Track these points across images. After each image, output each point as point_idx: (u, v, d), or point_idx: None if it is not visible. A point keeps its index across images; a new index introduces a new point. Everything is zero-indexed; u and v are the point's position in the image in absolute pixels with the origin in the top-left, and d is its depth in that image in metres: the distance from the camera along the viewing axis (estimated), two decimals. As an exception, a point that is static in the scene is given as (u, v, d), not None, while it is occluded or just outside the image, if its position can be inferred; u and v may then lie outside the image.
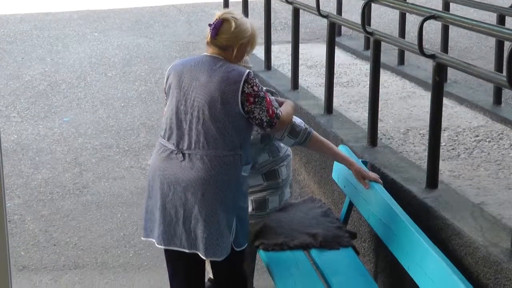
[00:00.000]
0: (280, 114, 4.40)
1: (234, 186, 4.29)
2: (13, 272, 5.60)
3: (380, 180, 4.85)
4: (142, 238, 4.53)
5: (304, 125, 4.81)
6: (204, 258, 4.33)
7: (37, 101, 9.35)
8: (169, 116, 4.33)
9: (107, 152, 7.90)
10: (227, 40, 4.27)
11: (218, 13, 4.32)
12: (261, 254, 5.04)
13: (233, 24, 4.26)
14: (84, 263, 5.99)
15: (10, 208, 6.74)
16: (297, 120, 4.85)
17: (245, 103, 4.24)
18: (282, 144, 5.06)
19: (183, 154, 4.27)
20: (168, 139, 4.33)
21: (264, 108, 4.28)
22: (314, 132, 4.85)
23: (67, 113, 8.98)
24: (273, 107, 4.35)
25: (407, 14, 8.33)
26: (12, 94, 9.58)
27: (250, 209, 4.97)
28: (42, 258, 6.06)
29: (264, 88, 4.56)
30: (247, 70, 4.29)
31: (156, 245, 4.40)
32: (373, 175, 4.92)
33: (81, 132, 8.40)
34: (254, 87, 4.25)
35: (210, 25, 4.31)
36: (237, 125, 4.27)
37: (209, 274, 5.09)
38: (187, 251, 4.33)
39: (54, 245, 6.24)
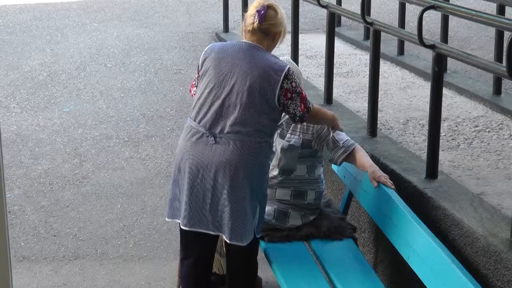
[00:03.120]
0: (312, 107, 4.49)
1: (261, 172, 4.39)
2: (13, 263, 5.60)
3: (392, 186, 4.75)
4: (167, 219, 4.58)
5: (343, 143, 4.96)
6: (228, 241, 4.37)
7: (37, 91, 9.34)
8: (203, 99, 4.38)
9: (106, 143, 7.90)
10: (273, 26, 4.41)
11: (260, 0, 4.45)
12: (261, 245, 5.04)
13: (278, 11, 4.45)
14: (84, 254, 6.00)
15: (10, 199, 6.75)
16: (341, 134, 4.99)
17: (281, 97, 4.33)
18: (321, 175, 5.17)
19: (215, 137, 4.31)
20: (200, 122, 4.37)
21: (298, 103, 4.37)
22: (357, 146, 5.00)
23: (66, 103, 8.97)
24: (305, 101, 4.42)
25: (407, 4, 8.32)
26: (11, 84, 9.58)
27: (271, 217, 5.01)
28: (42, 249, 6.06)
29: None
30: (288, 65, 4.37)
31: (181, 226, 4.45)
32: (384, 178, 4.79)
33: (80, 123, 8.40)
34: (293, 83, 4.34)
35: (258, 11, 4.40)
36: (271, 114, 4.37)
37: (213, 268, 5.10)
38: (212, 233, 4.40)
39: (54, 235, 6.25)
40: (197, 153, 4.35)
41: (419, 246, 4.17)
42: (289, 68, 4.37)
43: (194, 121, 4.40)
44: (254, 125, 4.31)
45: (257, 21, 4.37)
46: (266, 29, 4.39)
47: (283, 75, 4.30)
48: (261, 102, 4.30)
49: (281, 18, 4.46)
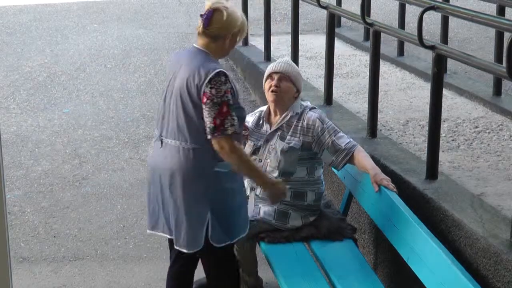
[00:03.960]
0: (229, 134, 4.16)
1: (205, 180, 4.26)
2: (13, 264, 5.60)
3: (394, 189, 4.73)
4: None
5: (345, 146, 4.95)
6: (175, 246, 4.41)
7: (37, 92, 9.34)
8: (161, 104, 4.44)
9: (106, 144, 7.90)
10: (219, 29, 4.24)
11: (209, 3, 4.29)
12: (261, 246, 5.04)
13: (225, 13, 4.22)
14: (84, 255, 5.99)
15: (10, 200, 6.74)
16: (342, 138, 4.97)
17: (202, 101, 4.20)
18: (321, 176, 5.18)
19: (161, 142, 4.36)
20: (156, 126, 4.45)
21: (212, 114, 4.14)
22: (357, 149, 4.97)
23: (66, 104, 8.97)
24: (224, 120, 4.14)
25: (407, 5, 8.32)
26: (11, 85, 9.58)
27: (271, 217, 5.01)
28: (42, 250, 6.06)
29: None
30: (219, 70, 4.16)
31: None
32: (386, 181, 4.77)
33: (80, 124, 8.40)
34: (214, 90, 4.13)
35: (201, 15, 4.28)
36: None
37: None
38: (168, 236, 4.43)
39: (54, 236, 6.25)
40: (151, 157, 4.46)
41: (419, 247, 4.16)
42: (218, 73, 4.15)
43: (156, 126, 4.48)
44: (189, 130, 4.25)
45: (201, 26, 4.28)
46: (212, 33, 4.25)
47: (208, 78, 4.13)
48: (192, 106, 4.22)
49: (229, 21, 4.25)
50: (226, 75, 4.16)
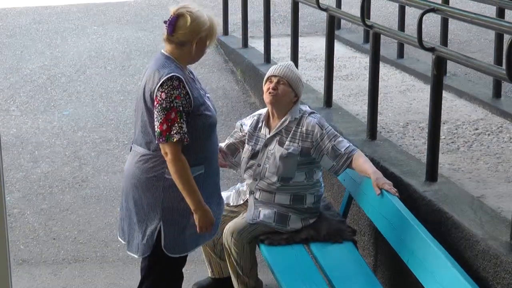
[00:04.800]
0: (173, 141, 4.05)
1: (155, 188, 4.19)
2: (13, 266, 5.60)
3: (396, 193, 4.71)
4: None
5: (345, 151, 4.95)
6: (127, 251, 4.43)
7: (37, 94, 9.34)
8: None
9: (106, 146, 7.90)
10: (184, 35, 4.13)
11: (173, 8, 4.18)
12: (261, 249, 5.04)
13: (189, 18, 4.12)
14: (84, 257, 5.99)
15: (10, 202, 6.74)
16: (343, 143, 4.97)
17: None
18: (320, 178, 5.19)
19: (131, 148, 4.40)
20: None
21: (159, 119, 4.05)
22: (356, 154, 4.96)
23: (66, 106, 8.97)
24: (171, 126, 4.04)
25: (407, 7, 8.32)
26: (11, 87, 9.58)
27: (271, 220, 5.01)
28: (41, 252, 6.06)
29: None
30: (172, 75, 4.06)
31: None
32: (388, 185, 4.76)
33: (80, 126, 8.40)
34: (163, 95, 4.04)
35: (165, 22, 4.18)
36: None
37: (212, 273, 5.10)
38: (123, 242, 4.47)
39: (54, 238, 6.25)
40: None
41: (419, 249, 4.17)
42: (171, 77, 4.06)
43: None
44: (144, 137, 4.22)
45: (165, 33, 4.19)
46: (178, 40, 4.14)
47: (160, 82, 4.06)
48: (146, 113, 4.18)
49: (194, 26, 4.13)
50: (180, 80, 4.05)
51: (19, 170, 7.39)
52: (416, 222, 4.33)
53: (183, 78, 4.08)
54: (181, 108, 4.04)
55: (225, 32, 11.00)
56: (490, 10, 9.17)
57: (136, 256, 4.35)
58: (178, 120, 4.04)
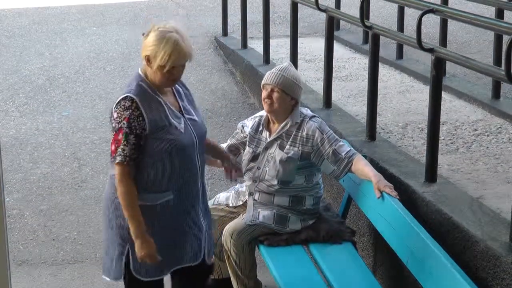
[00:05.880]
0: (122, 162, 3.94)
1: (119, 209, 4.01)
2: (12, 267, 5.59)
3: (397, 196, 4.69)
4: None
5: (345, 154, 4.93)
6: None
7: (36, 95, 9.34)
8: None
9: (106, 147, 7.90)
10: (143, 51, 3.97)
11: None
12: (260, 250, 5.04)
13: (150, 34, 3.93)
14: (83, 258, 5.99)
15: (9, 203, 6.74)
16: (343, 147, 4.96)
17: None
18: (319, 180, 5.19)
19: None
20: None
21: (111, 138, 4.02)
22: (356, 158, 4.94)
23: (65, 107, 8.97)
24: (117, 147, 3.96)
25: (406, 8, 8.32)
26: (10, 88, 9.58)
27: (271, 221, 5.01)
28: (41, 253, 6.06)
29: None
30: (126, 95, 3.94)
31: None
32: (389, 188, 4.73)
33: (79, 127, 8.40)
34: (115, 114, 3.99)
35: (143, 34, 4.04)
36: None
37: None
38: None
39: (53, 239, 6.25)
40: None
41: (418, 250, 4.17)
42: (125, 97, 3.94)
43: None
44: (112, 156, 4.11)
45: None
46: (143, 56, 3.97)
47: (116, 101, 4.00)
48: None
49: (147, 42, 3.92)
50: (132, 101, 3.90)
51: (19, 171, 7.39)
52: (415, 223, 4.33)
53: (138, 99, 3.90)
54: (128, 130, 3.91)
55: (225, 33, 11.02)
56: (489, 11, 9.18)
57: (108, 280, 4.17)
58: (122, 141, 3.93)
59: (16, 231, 6.34)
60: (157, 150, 3.95)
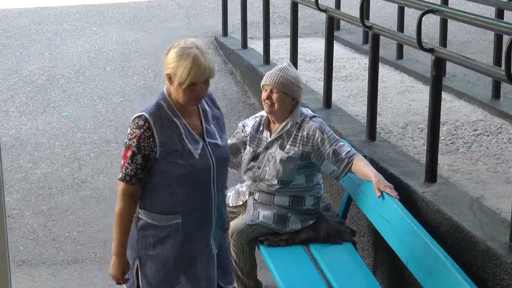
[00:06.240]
0: (122, 180, 3.85)
1: (135, 224, 3.98)
2: (12, 267, 5.60)
3: (397, 196, 4.69)
4: None
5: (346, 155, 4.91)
6: None
7: (36, 95, 9.34)
8: None
9: (106, 147, 7.90)
10: (163, 69, 3.85)
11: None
12: (260, 250, 5.04)
13: (170, 51, 3.82)
14: (83, 258, 5.99)
15: (9, 203, 6.74)
16: (344, 147, 4.94)
17: None
18: (320, 180, 5.18)
19: None
20: None
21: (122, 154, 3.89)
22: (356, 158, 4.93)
23: (65, 107, 8.97)
24: (125, 164, 3.83)
25: (406, 8, 8.32)
26: (10, 89, 9.57)
27: (271, 221, 5.02)
28: (41, 253, 6.06)
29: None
30: (142, 113, 3.80)
31: None
32: (389, 189, 4.73)
33: (79, 127, 8.39)
34: (128, 130, 3.84)
35: None
36: None
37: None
38: None
39: (53, 240, 6.24)
40: None
41: (418, 250, 4.16)
42: (139, 115, 3.80)
43: None
44: None
45: None
46: (164, 75, 3.84)
47: (133, 117, 3.86)
48: None
49: (167, 59, 3.80)
50: (146, 121, 3.77)
51: (19, 171, 7.39)
52: (415, 223, 4.32)
53: (151, 119, 3.78)
54: (136, 149, 3.79)
55: (225, 33, 11.02)
56: (489, 11, 9.18)
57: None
58: (128, 159, 3.81)
59: (16, 231, 6.34)
60: (167, 173, 3.83)
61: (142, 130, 3.78)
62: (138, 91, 9.52)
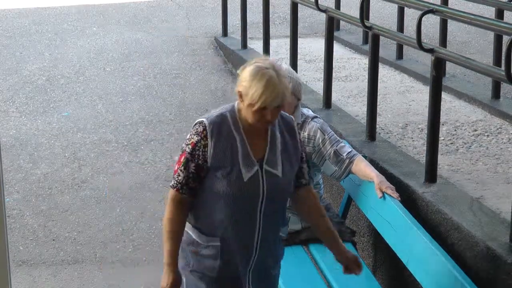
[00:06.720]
0: (173, 187, 3.67)
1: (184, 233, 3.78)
2: (12, 267, 5.60)
3: (399, 198, 4.67)
4: None
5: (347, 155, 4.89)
6: None
7: (36, 96, 9.34)
8: None
9: (105, 147, 7.90)
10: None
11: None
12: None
13: (243, 67, 3.62)
14: (83, 258, 5.99)
15: (9, 203, 6.74)
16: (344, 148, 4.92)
17: None
18: (320, 180, 5.17)
19: None
20: None
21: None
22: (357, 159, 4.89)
23: (65, 108, 8.97)
24: (178, 170, 3.65)
25: (406, 8, 8.32)
26: (10, 89, 9.58)
27: None
28: (41, 253, 6.06)
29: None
30: (202, 119, 3.62)
31: None
32: (391, 190, 4.70)
33: (79, 127, 8.40)
34: (188, 137, 3.66)
35: None
36: None
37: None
38: None
39: (53, 240, 6.24)
40: None
41: (418, 250, 4.17)
42: (200, 122, 3.62)
43: None
44: None
45: None
46: (236, 91, 3.63)
47: (195, 121, 3.69)
48: None
49: (241, 77, 3.57)
50: (205, 128, 3.59)
51: (19, 171, 7.39)
52: (415, 223, 4.32)
53: (210, 129, 3.58)
54: (189, 156, 3.60)
55: (225, 33, 11.02)
56: (489, 11, 9.18)
57: None
58: (181, 166, 3.63)
59: (16, 231, 6.34)
60: (212, 188, 3.62)
61: (199, 138, 3.60)
62: (138, 91, 9.53)
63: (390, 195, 4.64)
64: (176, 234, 3.70)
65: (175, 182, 3.64)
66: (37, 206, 6.76)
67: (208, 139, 3.58)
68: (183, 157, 3.62)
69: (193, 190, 3.65)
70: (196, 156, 3.60)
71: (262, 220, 3.66)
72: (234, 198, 3.60)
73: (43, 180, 7.22)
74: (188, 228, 3.74)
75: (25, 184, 7.15)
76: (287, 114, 3.83)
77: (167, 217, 3.67)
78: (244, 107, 3.56)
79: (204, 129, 3.59)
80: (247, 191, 3.60)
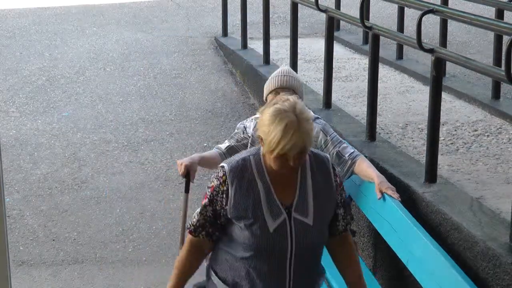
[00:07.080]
0: (188, 228, 3.53)
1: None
2: (12, 268, 5.60)
3: (399, 198, 4.64)
4: None
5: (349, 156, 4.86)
6: None
7: (36, 96, 9.34)
8: None
9: (105, 147, 7.90)
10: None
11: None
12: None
13: (263, 109, 3.40)
14: (83, 258, 5.99)
15: (9, 203, 6.74)
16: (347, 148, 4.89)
17: None
18: None
19: None
20: None
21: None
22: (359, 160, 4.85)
23: (65, 108, 8.97)
24: (200, 211, 3.47)
25: (406, 8, 8.32)
26: (10, 89, 9.58)
27: None
28: (41, 253, 6.06)
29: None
30: (223, 165, 3.44)
31: None
32: (391, 191, 4.67)
33: (79, 127, 8.40)
34: (211, 178, 3.48)
35: None
36: None
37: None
38: None
39: (53, 240, 6.25)
40: None
41: (418, 250, 4.16)
42: (221, 166, 3.45)
43: None
44: None
45: None
46: (257, 135, 3.45)
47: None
48: None
49: (262, 120, 3.36)
50: (224, 173, 3.38)
51: (19, 171, 7.39)
52: (415, 223, 4.32)
53: (230, 175, 3.37)
54: (208, 201, 3.43)
55: (225, 33, 11.03)
56: (489, 11, 9.19)
57: None
58: (200, 209, 3.48)
59: (16, 232, 6.34)
60: (234, 237, 3.41)
61: (218, 183, 3.39)
62: (138, 91, 9.53)
63: (391, 196, 4.64)
64: (183, 275, 3.54)
65: (190, 224, 3.49)
66: (37, 206, 6.76)
67: (228, 186, 3.37)
68: (205, 199, 3.45)
69: (211, 235, 3.46)
70: (214, 201, 3.41)
71: (293, 276, 3.41)
72: (259, 251, 3.35)
73: (43, 180, 7.22)
74: (212, 273, 3.56)
75: (25, 184, 7.15)
76: (321, 153, 3.57)
77: (179, 255, 3.56)
78: (265, 152, 3.35)
79: (224, 174, 3.38)
80: (274, 244, 3.33)
